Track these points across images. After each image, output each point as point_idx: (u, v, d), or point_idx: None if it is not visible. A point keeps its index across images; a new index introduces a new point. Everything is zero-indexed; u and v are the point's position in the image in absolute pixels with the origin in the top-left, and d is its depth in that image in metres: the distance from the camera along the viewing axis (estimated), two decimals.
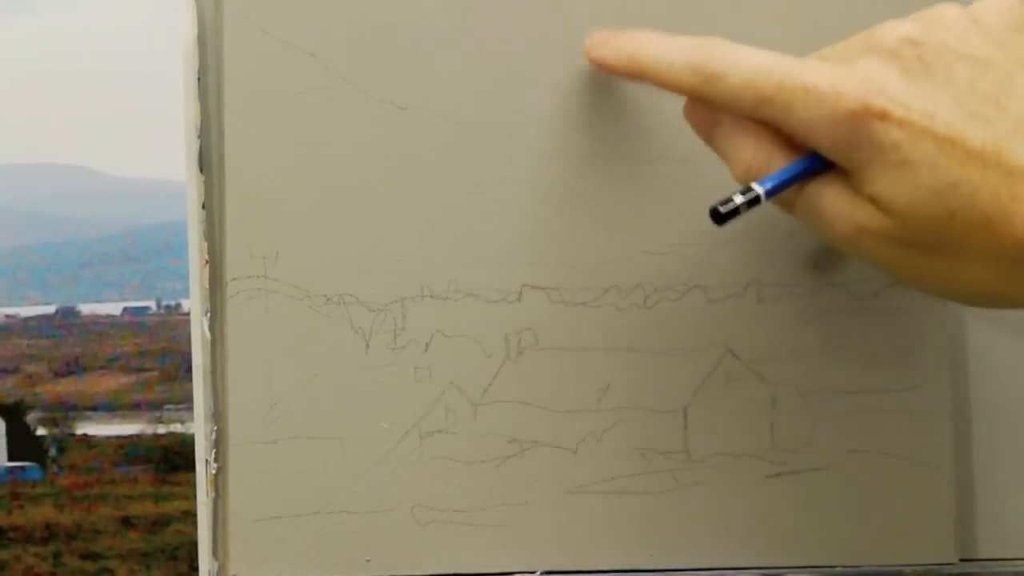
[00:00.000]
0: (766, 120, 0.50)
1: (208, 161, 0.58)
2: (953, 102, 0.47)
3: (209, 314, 0.58)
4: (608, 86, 0.60)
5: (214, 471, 0.57)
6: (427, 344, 0.58)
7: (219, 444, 0.57)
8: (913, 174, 0.47)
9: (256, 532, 0.56)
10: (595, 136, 0.60)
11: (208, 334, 0.57)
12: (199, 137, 0.58)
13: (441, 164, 0.59)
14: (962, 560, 0.62)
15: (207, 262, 0.58)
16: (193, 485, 0.57)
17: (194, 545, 0.57)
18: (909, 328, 0.60)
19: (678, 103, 0.61)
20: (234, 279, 0.57)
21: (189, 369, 0.58)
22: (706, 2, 0.61)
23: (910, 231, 0.47)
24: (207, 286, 0.58)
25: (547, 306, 0.59)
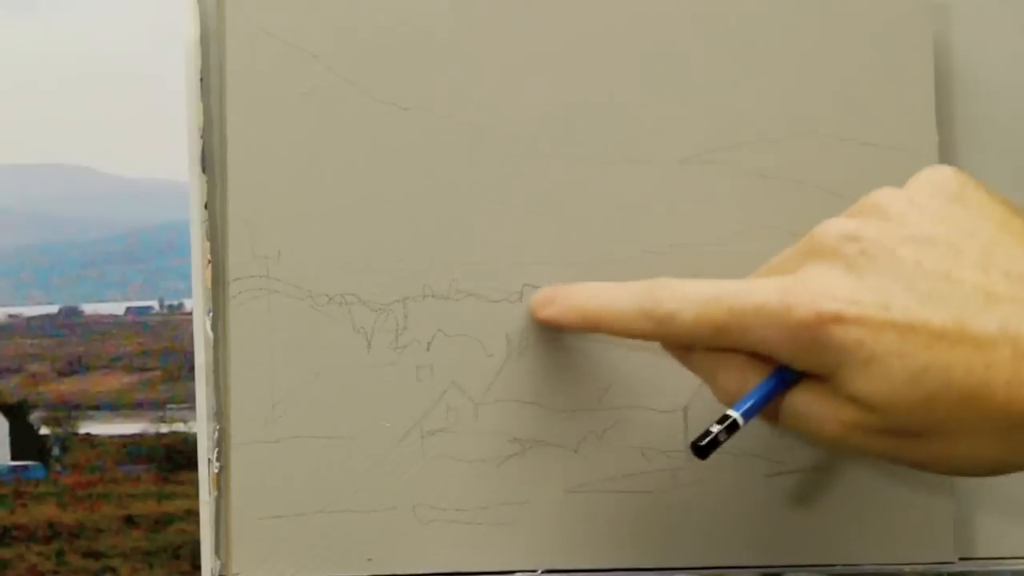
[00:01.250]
0: (728, 346, 0.50)
1: (210, 161, 0.58)
2: (905, 288, 0.47)
3: (211, 314, 0.58)
4: (608, 86, 0.60)
5: (216, 470, 0.57)
6: (429, 343, 0.58)
7: (221, 443, 0.57)
8: (883, 367, 0.46)
9: (258, 531, 0.56)
10: (595, 136, 0.60)
11: (210, 334, 0.58)
12: (202, 138, 0.58)
13: (443, 164, 0.59)
14: (961, 559, 0.62)
15: (209, 262, 0.58)
16: (195, 484, 0.57)
17: (196, 544, 0.57)
18: None
19: (677, 103, 0.61)
20: (236, 279, 0.57)
21: (191, 368, 0.58)
22: (702, 3, 0.61)
23: (895, 421, 0.47)
24: (209, 286, 0.58)
25: None
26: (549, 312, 0.56)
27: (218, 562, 0.57)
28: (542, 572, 0.59)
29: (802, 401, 0.49)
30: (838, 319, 0.47)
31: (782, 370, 0.50)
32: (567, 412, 0.59)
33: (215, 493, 0.57)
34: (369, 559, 0.57)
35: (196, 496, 0.57)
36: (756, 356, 0.50)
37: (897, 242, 0.48)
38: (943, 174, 0.50)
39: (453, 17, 0.59)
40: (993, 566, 0.63)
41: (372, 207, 0.58)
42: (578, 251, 0.59)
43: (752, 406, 0.50)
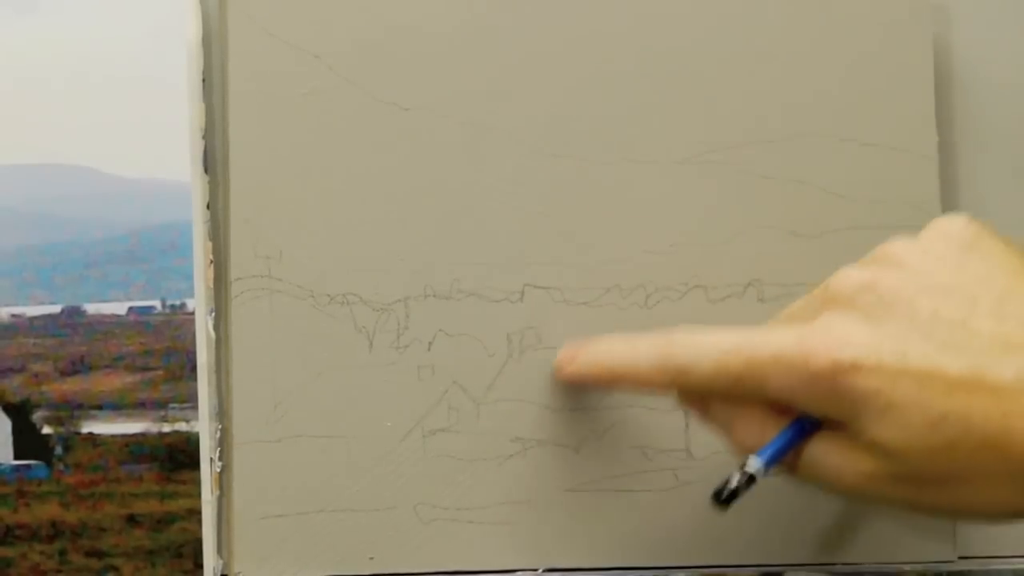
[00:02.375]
0: (746, 396, 0.50)
1: (212, 162, 0.59)
2: (922, 336, 0.47)
3: (214, 313, 0.58)
4: (608, 87, 0.60)
5: (218, 469, 0.57)
6: (430, 343, 0.58)
7: (223, 443, 0.57)
8: (901, 415, 0.46)
9: (260, 530, 0.57)
10: (595, 136, 0.60)
11: (212, 333, 0.58)
12: (204, 138, 0.59)
13: (444, 164, 0.59)
14: (961, 558, 0.62)
15: (212, 262, 0.58)
16: (198, 483, 0.57)
17: (199, 543, 0.57)
18: None
19: (678, 103, 0.61)
20: (238, 279, 0.57)
21: (194, 368, 0.58)
22: (702, 3, 0.61)
23: (914, 468, 0.47)
24: (212, 286, 0.58)
25: (549, 305, 0.59)
26: (572, 369, 0.57)
27: (220, 561, 0.57)
28: (543, 571, 0.59)
29: (821, 451, 0.49)
30: (856, 367, 0.47)
31: (801, 420, 0.50)
32: (568, 411, 0.59)
33: (217, 492, 0.57)
34: (371, 558, 0.58)
35: (198, 495, 0.57)
36: (774, 406, 0.50)
37: (914, 291, 0.48)
38: (958, 224, 0.50)
39: (454, 17, 0.59)
40: (993, 565, 0.63)
41: (373, 207, 0.58)
42: (578, 251, 0.60)
43: (772, 456, 0.50)
